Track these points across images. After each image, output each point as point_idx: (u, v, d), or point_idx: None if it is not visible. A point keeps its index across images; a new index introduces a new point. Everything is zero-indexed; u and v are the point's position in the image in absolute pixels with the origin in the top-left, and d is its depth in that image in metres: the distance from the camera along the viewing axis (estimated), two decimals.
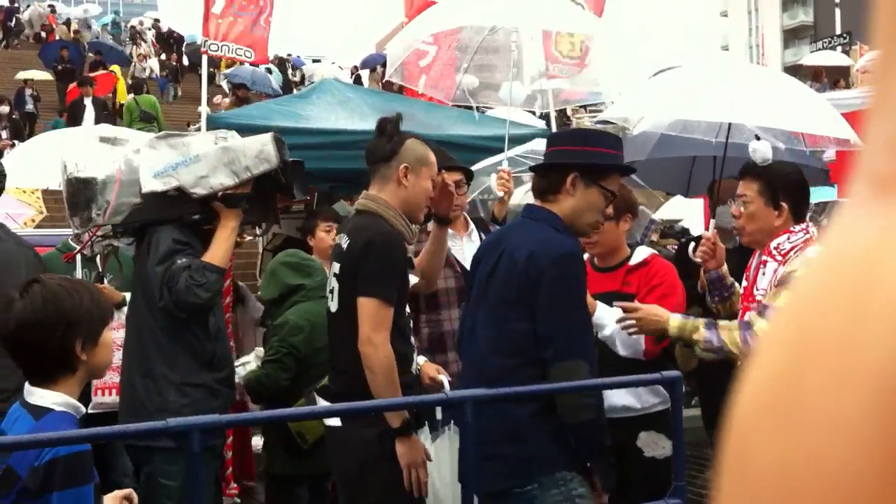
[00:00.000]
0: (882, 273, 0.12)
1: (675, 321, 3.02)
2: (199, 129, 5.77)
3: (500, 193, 4.08)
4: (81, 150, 3.26)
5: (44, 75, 18.13)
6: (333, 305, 2.86)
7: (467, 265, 3.21)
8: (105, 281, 4.04)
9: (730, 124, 4.24)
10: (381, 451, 2.76)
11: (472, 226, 3.41)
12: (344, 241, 2.87)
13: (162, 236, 3.04)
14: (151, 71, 20.99)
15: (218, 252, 2.91)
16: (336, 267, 2.86)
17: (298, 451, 3.41)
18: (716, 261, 3.43)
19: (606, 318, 3.16)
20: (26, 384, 2.09)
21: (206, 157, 2.86)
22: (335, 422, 2.86)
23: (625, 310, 3.07)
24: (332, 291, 2.89)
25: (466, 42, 5.71)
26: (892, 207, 0.12)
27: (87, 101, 14.15)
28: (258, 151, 2.88)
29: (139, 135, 5.53)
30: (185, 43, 23.27)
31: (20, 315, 2.02)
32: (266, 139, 2.91)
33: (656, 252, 3.68)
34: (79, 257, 4.09)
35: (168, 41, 24.31)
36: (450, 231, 3.35)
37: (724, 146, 4.21)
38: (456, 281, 3.32)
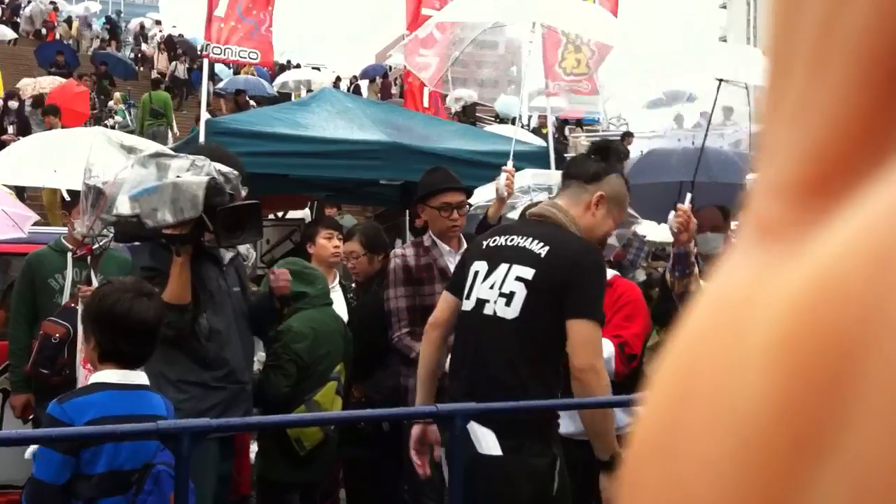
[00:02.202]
0: (750, 319, 0.12)
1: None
2: (197, 136, 5.75)
3: (505, 193, 4.01)
4: (103, 154, 3.26)
5: (50, 81, 17.70)
6: (507, 311, 2.59)
7: None
8: (94, 282, 4.00)
9: (700, 153, 4.32)
10: (553, 480, 2.60)
11: (464, 245, 3.42)
12: (535, 246, 2.62)
13: (136, 260, 3.19)
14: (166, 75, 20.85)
15: (172, 290, 2.93)
16: (521, 271, 2.60)
17: (295, 459, 3.41)
18: (688, 234, 3.41)
19: None
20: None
21: (161, 190, 2.86)
22: (493, 450, 2.62)
23: None
24: (503, 295, 2.62)
25: (465, 38, 5.59)
26: (767, 253, 0.12)
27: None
28: (192, 196, 2.85)
29: (150, 144, 5.52)
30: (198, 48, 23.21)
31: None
32: (201, 185, 2.83)
33: (618, 274, 3.70)
34: (70, 258, 4.07)
35: (174, 45, 24.21)
36: (445, 248, 3.39)
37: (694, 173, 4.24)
38: None
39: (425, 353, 2.85)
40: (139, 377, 2.52)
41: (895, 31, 0.11)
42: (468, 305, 2.67)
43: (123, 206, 2.88)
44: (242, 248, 3.20)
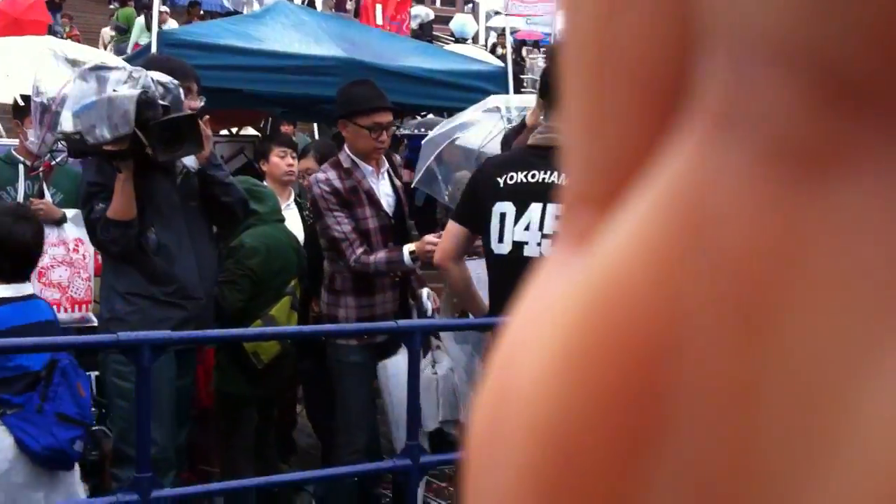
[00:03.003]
0: (549, 326, 0.13)
1: None
2: (149, 46, 5.61)
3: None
4: (51, 69, 3.19)
5: None
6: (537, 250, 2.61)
7: (384, 204, 3.23)
8: (47, 195, 3.96)
9: None
10: None
11: (385, 165, 3.34)
12: (554, 178, 2.61)
13: (84, 175, 3.13)
14: None
15: (115, 206, 2.91)
16: (545, 207, 2.62)
17: (252, 372, 3.45)
18: None
19: None
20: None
21: (98, 105, 2.80)
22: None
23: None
24: (547, 235, 2.62)
25: None
26: (573, 261, 0.13)
27: None
28: (124, 111, 2.79)
29: (99, 56, 5.37)
30: None
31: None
32: (132, 99, 2.75)
33: None
34: (22, 170, 4.00)
35: None
36: (368, 168, 3.24)
37: None
38: (380, 220, 3.24)
39: (459, 278, 2.90)
40: (27, 288, 2.82)
41: (661, 57, 0.12)
42: (503, 249, 2.68)
43: (67, 123, 2.83)
44: (188, 161, 3.12)
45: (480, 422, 0.14)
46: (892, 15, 0.09)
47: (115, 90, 2.83)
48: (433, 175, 6.65)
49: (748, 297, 0.10)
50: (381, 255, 3.15)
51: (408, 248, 3.12)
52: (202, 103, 3.27)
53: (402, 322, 2.75)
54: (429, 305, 3.44)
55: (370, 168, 3.24)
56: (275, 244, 3.51)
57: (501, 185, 2.68)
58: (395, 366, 3.19)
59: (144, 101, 2.78)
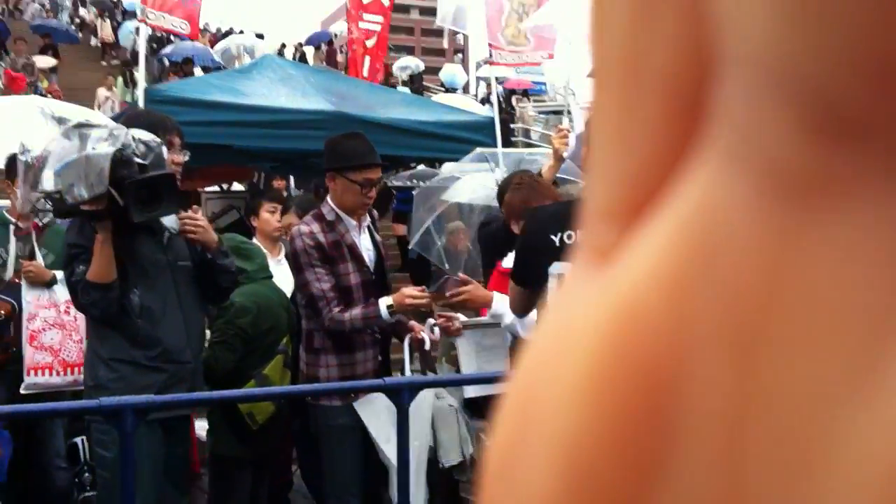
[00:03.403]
0: (571, 346, 0.13)
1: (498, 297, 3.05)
2: (135, 103, 5.66)
3: (563, 152, 3.75)
4: (37, 127, 3.19)
5: None
6: None
7: (366, 259, 3.18)
8: (39, 257, 3.96)
9: None
10: None
11: (367, 220, 3.32)
12: None
13: (66, 237, 3.06)
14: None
15: (93, 269, 2.87)
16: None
17: (246, 433, 3.42)
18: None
19: (502, 307, 3.17)
20: None
21: (76, 163, 2.78)
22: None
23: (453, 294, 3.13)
24: None
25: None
26: (594, 278, 0.13)
27: None
28: (99, 170, 2.77)
29: (84, 113, 5.40)
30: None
31: None
32: (107, 157, 2.73)
33: None
34: (12, 231, 4.00)
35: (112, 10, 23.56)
36: (352, 223, 3.18)
37: None
38: (362, 276, 3.17)
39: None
40: None
41: (688, 69, 0.12)
42: None
43: (48, 183, 2.80)
44: (169, 222, 3.08)
45: (501, 442, 0.14)
46: (885, 49, 0.10)
47: (93, 148, 2.81)
48: (429, 233, 6.68)
49: (746, 329, 0.11)
50: (356, 311, 3.07)
51: (385, 302, 3.06)
52: (186, 157, 3.24)
53: (389, 379, 2.74)
54: (426, 339, 3.31)
55: (353, 222, 3.18)
56: (265, 302, 3.51)
57: (557, 243, 2.59)
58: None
59: (119, 160, 2.73)
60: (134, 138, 2.84)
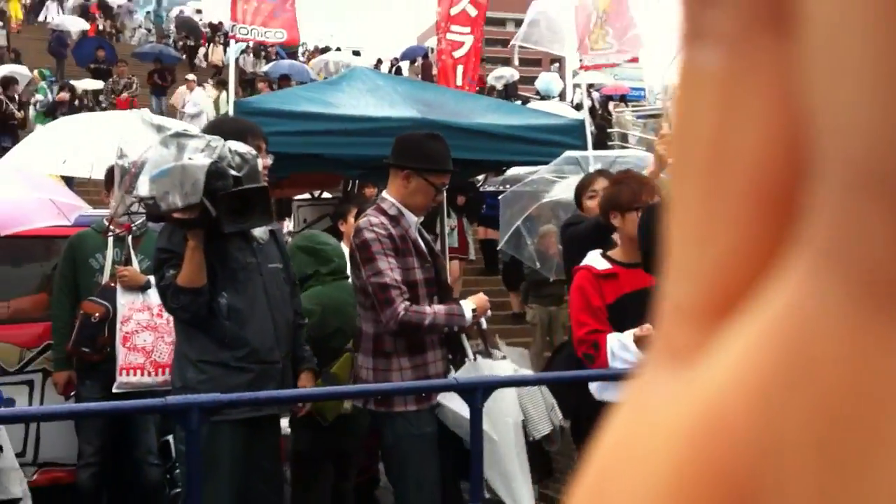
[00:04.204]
0: (649, 448, 0.13)
1: None
2: (226, 115, 5.82)
3: (664, 155, 3.68)
4: (136, 135, 3.30)
5: (94, 84, 17.71)
6: None
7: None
8: (135, 262, 4.10)
9: None
10: None
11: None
12: None
13: (157, 241, 3.14)
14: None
15: (185, 274, 2.95)
16: None
17: (321, 428, 3.45)
18: None
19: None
20: None
21: (172, 172, 2.85)
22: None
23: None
24: None
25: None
26: (672, 378, 0.13)
27: None
28: (194, 181, 2.83)
29: (183, 125, 5.61)
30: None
31: None
32: (202, 168, 2.80)
33: None
34: (111, 238, 4.16)
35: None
36: (413, 218, 3.15)
37: None
38: (425, 272, 3.11)
39: None
40: None
41: (779, 166, 0.12)
42: None
43: (143, 188, 2.90)
44: (258, 233, 3.15)
45: None
46: None
47: (190, 158, 2.90)
48: (519, 234, 6.65)
49: (834, 443, 0.10)
50: (440, 307, 3.02)
51: (468, 305, 3.04)
52: (271, 161, 3.33)
53: (462, 378, 2.71)
54: (482, 320, 3.21)
55: (414, 218, 3.15)
56: (331, 304, 3.53)
57: None
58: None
59: (214, 172, 2.81)
60: (231, 150, 2.91)
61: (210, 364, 3.00)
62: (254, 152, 2.98)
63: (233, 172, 2.89)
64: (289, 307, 3.23)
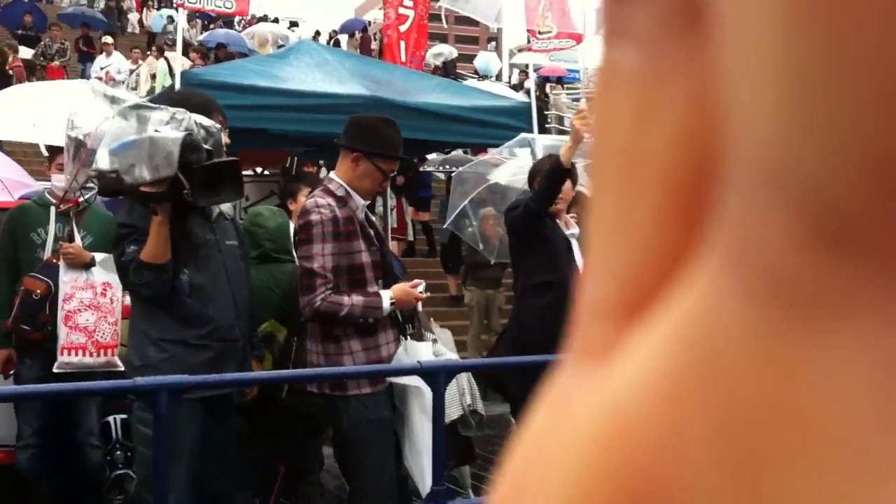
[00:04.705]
0: (560, 449, 0.13)
1: None
2: (172, 87, 5.68)
3: (582, 134, 3.67)
4: (88, 105, 3.16)
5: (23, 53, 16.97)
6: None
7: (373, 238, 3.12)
8: (77, 238, 3.97)
9: None
10: None
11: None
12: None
13: (116, 216, 3.08)
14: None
15: (149, 249, 2.88)
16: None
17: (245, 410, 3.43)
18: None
19: None
20: None
21: (138, 145, 2.78)
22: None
23: None
24: None
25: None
26: (587, 378, 0.13)
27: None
28: (167, 154, 2.77)
29: (135, 97, 5.43)
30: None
31: None
32: (176, 141, 2.74)
33: None
34: (53, 212, 4.02)
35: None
36: (360, 201, 3.11)
37: None
38: (372, 255, 3.08)
39: None
40: None
41: (691, 168, 0.12)
42: None
43: (103, 161, 2.80)
44: (226, 208, 3.11)
45: None
46: (885, 155, 0.09)
47: (157, 130, 2.82)
48: (465, 215, 6.67)
49: (739, 444, 0.11)
50: (357, 297, 2.97)
51: (388, 295, 2.98)
52: (227, 141, 3.27)
53: (426, 362, 2.71)
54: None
55: (362, 201, 3.11)
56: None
57: None
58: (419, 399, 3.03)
59: (189, 145, 2.76)
60: (196, 123, 2.85)
61: (171, 342, 2.96)
62: (218, 126, 2.92)
63: (205, 147, 2.83)
64: (245, 285, 3.21)
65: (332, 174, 3.20)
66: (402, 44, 8.93)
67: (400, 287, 3.04)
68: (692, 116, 0.12)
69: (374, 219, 3.32)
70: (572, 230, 3.86)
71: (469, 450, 3.69)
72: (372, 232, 3.12)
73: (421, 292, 3.08)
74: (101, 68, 15.15)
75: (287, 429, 3.65)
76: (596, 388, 0.13)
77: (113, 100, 3.13)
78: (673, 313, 0.12)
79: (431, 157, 9.81)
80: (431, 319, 3.74)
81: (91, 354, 3.88)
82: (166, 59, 13.96)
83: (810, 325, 0.10)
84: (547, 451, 0.13)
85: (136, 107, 2.87)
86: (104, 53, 15.79)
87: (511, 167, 6.47)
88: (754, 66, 0.10)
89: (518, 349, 3.76)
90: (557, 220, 3.84)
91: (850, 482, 0.10)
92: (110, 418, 4.16)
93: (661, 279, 0.12)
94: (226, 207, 3.05)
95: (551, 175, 3.63)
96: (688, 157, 0.12)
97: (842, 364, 0.10)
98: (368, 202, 3.20)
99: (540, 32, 7.23)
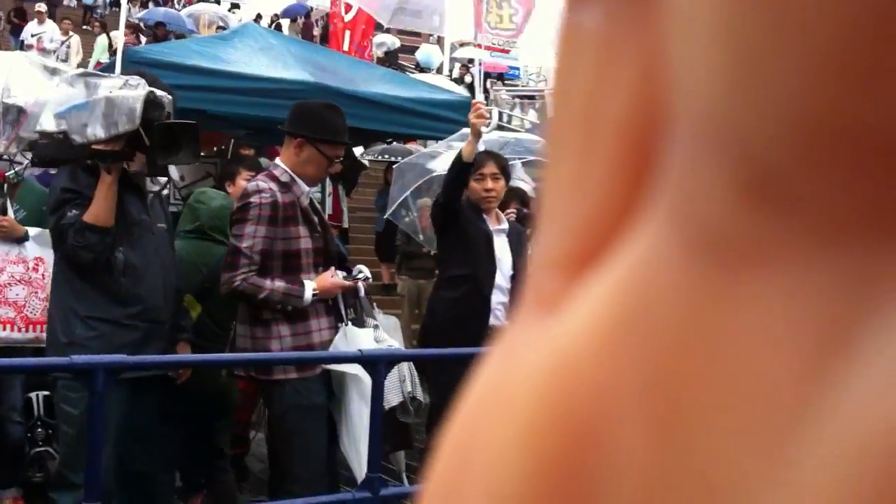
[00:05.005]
0: (510, 397, 0.13)
1: None
2: (112, 64, 5.56)
3: (484, 129, 3.78)
4: (24, 75, 3.10)
5: None
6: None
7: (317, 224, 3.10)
8: (10, 211, 3.87)
9: None
10: None
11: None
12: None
13: (55, 182, 3.02)
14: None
15: (95, 211, 2.84)
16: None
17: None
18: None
19: None
20: None
21: (92, 105, 2.76)
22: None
23: None
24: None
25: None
26: (538, 327, 0.13)
27: None
28: (129, 109, 2.76)
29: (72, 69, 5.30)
30: None
31: None
32: (140, 97, 2.75)
33: None
34: None
35: None
36: (305, 188, 3.10)
37: None
38: (314, 241, 3.06)
39: None
40: None
41: (642, 125, 0.12)
42: None
43: (48, 123, 2.77)
44: (174, 173, 3.09)
45: (438, 488, 0.14)
46: (812, 113, 0.09)
47: (110, 92, 2.80)
48: (406, 206, 6.68)
49: (665, 388, 0.11)
50: (279, 283, 2.93)
51: (311, 286, 2.95)
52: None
53: (367, 351, 2.72)
54: (360, 287, 3.17)
55: (306, 188, 3.09)
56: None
57: None
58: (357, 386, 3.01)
59: (152, 101, 2.77)
60: (150, 90, 2.85)
61: (99, 321, 2.92)
62: (169, 97, 2.91)
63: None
64: (173, 269, 3.20)
65: (277, 160, 3.18)
66: (348, 33, 8.89)
67: (324, 277, 3.02)
68: (644, 76, 0.12)
69: (318, 206, 3.30)
70: (502, 225, 3.92)
71: (407, 436, 3.71)
72: (316, 219, 3.10)
73: (365, 278, 3.09)
74: (33, 35, 14.71)
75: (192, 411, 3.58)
76: (542, 336, 0.13)
77: (54, 71, 3.10)
78: (619, 264, 0.12)
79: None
80: (375, 306, 3.74)
81: (19, 329, 3.79)
82: (108, 35, 13.61)
83: (739, 280, 0.10)
84: (495, 402, 0.14)
85: (83, 75, 2.87)
86: (36, 20, 15.34)
87: (449, 159, 6.51)
88: (695, 27, 0.10)
89: (427, 339, 3.85)
90: (486, 216, 3.89)
91: (755, 439, 0.10)
92: (32, 395, 4.06)
93: (611, 234, 0.13)
94: (174, 173, 3.04)
95: (453, 169, 3.71)
96: (642, 115, 0.12)
97: (764, 319, 0.10)
98: (314, 188, 3.18)
99: (494, 28, 7.26)
